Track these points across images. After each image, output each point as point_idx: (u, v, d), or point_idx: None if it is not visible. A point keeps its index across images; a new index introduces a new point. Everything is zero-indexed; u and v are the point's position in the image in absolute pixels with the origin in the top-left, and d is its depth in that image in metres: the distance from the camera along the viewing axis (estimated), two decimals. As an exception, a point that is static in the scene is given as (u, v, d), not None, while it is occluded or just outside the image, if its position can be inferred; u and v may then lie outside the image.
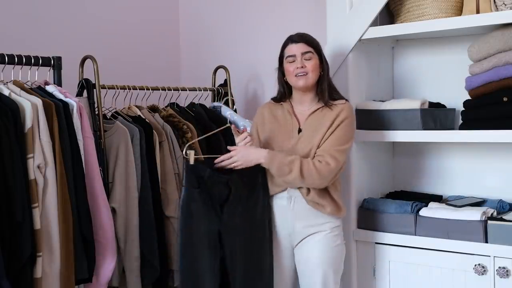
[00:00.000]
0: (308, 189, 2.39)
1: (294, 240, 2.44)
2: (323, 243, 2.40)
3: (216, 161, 2.36)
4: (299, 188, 2.39)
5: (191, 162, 2.30)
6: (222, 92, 3.16)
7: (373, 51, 2.85)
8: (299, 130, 2.44)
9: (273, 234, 2.45)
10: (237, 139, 2.46)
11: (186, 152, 2.33)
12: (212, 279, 2.34)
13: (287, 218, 2.42)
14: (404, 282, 2.59)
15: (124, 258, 2.51)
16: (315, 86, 2.46)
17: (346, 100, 2.48)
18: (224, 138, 2.79)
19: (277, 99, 2.54)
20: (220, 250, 2.35)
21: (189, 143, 2.47)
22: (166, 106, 2.94)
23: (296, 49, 2.42)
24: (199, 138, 2.64)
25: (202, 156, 2.53)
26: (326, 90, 2.44)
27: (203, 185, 2.31)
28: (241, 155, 2.35)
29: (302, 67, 2.40)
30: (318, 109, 2.45)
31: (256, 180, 2.41)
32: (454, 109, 2.73)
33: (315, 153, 2.37)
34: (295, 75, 2.41)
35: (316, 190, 2.38)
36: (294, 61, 2.41)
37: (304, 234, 2.42)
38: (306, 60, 2.40)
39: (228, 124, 2.63)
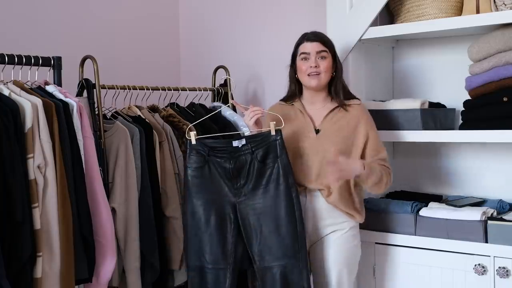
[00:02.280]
0: (330, 192, 2.37)
1: (310, 238, 2.41)
2: (339, 243, 2.39)
3: (329, 174, 2.30)
4: (320, 189, 2.38)
5: (193, 142, 2.38)
6: (222, 92, 3.16)
7: (373, 51, 2.85)
8: (317, 130, 2.43)
9: None
10: (246, 115, 2.42)
11: (188, 134, 2.40)
12: (222, 252, 2.33)
13: (304, 216, 2.37)
14: (404, 282, 2.59)
15: (124, 258, 2.51)
16: (327, 86, 2.45)
17: (358, 98, 2.49)
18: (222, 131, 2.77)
19: (288, 99, 2.52)
20: (233, 222, 2.33)
21: (190, 125, 2.54)
22: (166, 106, 2.93)
23: (311, 47, 2.40)
24: (197, 122, 2.66)
25: (203, 136, 2.52)
26: (339, 91, 2.43)
27: (205, 163, 2.36)
28: (344, 166, 2.27)
29: (316, 66, 2.38)
30: (334, 109, 2.44)
31: (267, 153, 2.34)
32: (454, 109, 2.74)
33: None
34: (308, 74, 2.40)
35: (338, 193, 2.36)
36: (307, 60, 2.40)
37: (321, 234, 2.41)
38: (320, 59, 2.39)
39: (231, 102, 2.60)
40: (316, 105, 2.47)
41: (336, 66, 2.44)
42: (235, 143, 2.36)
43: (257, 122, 2.42)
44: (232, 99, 3.14)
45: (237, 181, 2.35)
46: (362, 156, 2.39)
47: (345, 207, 2.38)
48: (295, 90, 2.50)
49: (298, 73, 2.46)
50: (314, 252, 2.43)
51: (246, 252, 2.36)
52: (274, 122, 2.32)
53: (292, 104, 2.50)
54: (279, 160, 2.31)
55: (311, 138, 2.42)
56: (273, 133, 2.32)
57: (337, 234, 2.39)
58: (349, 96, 2.48)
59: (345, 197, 2.38)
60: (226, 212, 2.35)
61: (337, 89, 2.44)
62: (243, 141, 2.36)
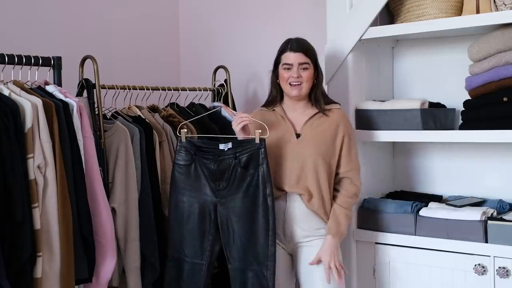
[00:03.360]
0: (310, 197, 2.40)
1: (289, 243, 2.44)
2: (318, 250, 2.40)
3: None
4: (300, 194, 2.40)
5: (183, 140, 2.45)
6: (222, 92, 3.16)
7: (373, 51, 2.85)
8: (297, 135, 2.45)
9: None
10: (234, 120, 2.46)
11: (179, 132, 2.46)
12: (201, 248, 2.41)
13: (280, 220, 2.41)
14: (404, 282, 2.59)
15: (124, 258, 2.51)
16: (307, 93, 2.48)
17: (338, 103, 2.52)
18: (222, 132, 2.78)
19: (269, 103, 2.54)
20: (213, 221, 2.40)
21: (182, 123, 2.57)
22: (166, 106, 2.94)
23: (293, 58, 2.42)
24: (193, 119, 2.70)
25: (194, 136, 2.58)
26: (320, 98, 2.46)
27: (192, 161, 2.42)
28: (330, 256, 2.36)
29: (298, 77, 2.41)
30: (315, 115, 2.46)
31: (249, 160, 2.38)
32: (454, 109, 2.73)
33: (336, 173, 2.44)
34: (289, 83, 2.43)
35: (320, 200, 2.40)
36: (290, 70, 2.42)
37: (299, 239, 2.42)
38: (302, 70, 2.42)
39: (220, 104, 2.61)
40: (297, 111, 2.50)
41: (317, 74, 2.46)
42: (221, 146, 2.42)
43: (245, 129, 2.45)
44: (232, 99, 3.15)
45: (219, 183, 2.40)
46: (338, 163, 2.44)
47: (324, 213, 2.41)
48: (276, 96, 2.53)
49: (280, 81, 2.48)
50: (296, 261, 2.46)
51: (222, 251, 2.42)
52: (260, 131, 2.36)
53: (274, 110, 2.52)
54: (260, 169, 2.36)
55: (292, 142, 2.44)
56: (257, 141, 2.36)
57: (315, 242, 2.40)
58: (329, 101, 2.50)
59: (326, 203, 2.41)
60: (206, 211, 2.42)
61: (317, 96, 2.47)
62: (229, 145, 2.41)
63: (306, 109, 2.49)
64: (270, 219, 2.34)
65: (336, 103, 2.52)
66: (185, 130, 2.47)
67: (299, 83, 2.42)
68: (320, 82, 2.48)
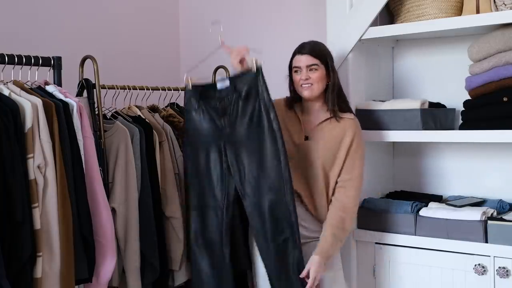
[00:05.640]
0: (307, 198, 2.41)
1: None
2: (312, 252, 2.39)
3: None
4: (299, 193, 2.40)
5: (190, 87, 2.49)
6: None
7: (373, 51, 2.85)
8: (306, 137, 2.45)
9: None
10: (232, 55, 2.46)
11: (186, 80, 2.51)
12: (217, 188, 2.43)
13: None
14: (404, 282, 2.59)
15: (124, 258, 2.51)
16: (323, 95, 2.46)
17: (354, 114, 2.50)
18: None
19: (289, 103, 2.54)
20: (224, 162, 2.41)
21: (186, 75, 2.56)
22: (166, 106, 2.93)
23: (301, 61, 2.43)
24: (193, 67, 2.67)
25: (200, 83, 2.57)
26: (333, 99, 2.44)
27: (199, 107, 2.46)
28: (315, 275, 2.29)
29: (307, 78, 2.41)
30: (326, 120, 2.45)
31: (249, 91, 2.39)
32: (454, 109, 2.73)
33: (335, 182, 2.41)
34: (301, 85, 2.44)
35: (312, 203, 2.41)
36: (299, 73, 2.44)
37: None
38: (311, 71, 2.42)
39: (220, 40, 2.60)
40: (311, 113, 2.49)
41: (331, 75, 2.44)
42: (219, 85, 2.43)
43: (243, 62, 2.44)
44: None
45: (224, 121, 2.42)
46: (340, 172, 2.41)
47: (324, 215, 2.41)
48: (295, 97, 2.53)
49: (294, 84, 2.49)
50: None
51: (237, 192, 2.42)
52: (255, 59, 2.36)
53: (292, 108, 2.52)
54: (261, 96, 2.36)
55: (300, 144, 2.45)
56: (254, 70, 2.36)
57: (311, 245, 2.38)
58: (346, 109, 2.48)
59: (319, 209, 2.42)
60: (218, 154, 2.43)
61: (331, 98, 2.44)
62: (227, 82, 2.42)
63: (320, 112, 2.48)
64: (279, 142, 2.32)
65: (352, 112, 2.50)
66: (189, 77, 2.49)
67: (310, 84, 2.42)
68: (334, 84, 2.44)
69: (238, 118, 2.39)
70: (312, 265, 2.29)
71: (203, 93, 2.47)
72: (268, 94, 2.36)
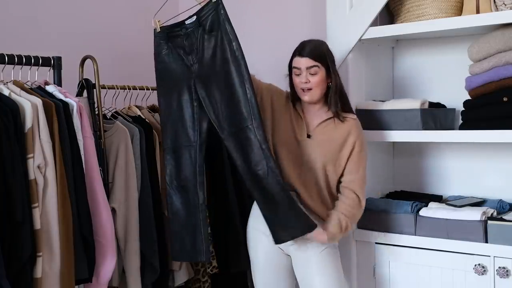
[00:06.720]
0: (306, 195, 2.40)
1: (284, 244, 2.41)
2: (323, 266, 2.38)
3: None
4: (298, 191, 2.40)
5: (158, 30, 2.48)
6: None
7: (373, 51, 2.85)
8: (308, 135, 2.44)
9: (257, 235, 2.45)
10: None
11: (154, 23, 2.49)
12: (190, 124, 2.43)
13: None
14: (404, 282, 2.59)
15: (124, 258, 2.51)
16: (324, 96, 2.45)
17: (354, 113, 2.49)
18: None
19: (291, 99, 2.52)
20: (195, 100, 2.41)
21: (155, 19, 2.55)
22: (166, 106, 2.93)
23: (301, 63, 2.39)
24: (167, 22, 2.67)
25: (168, 24, 2.57)
26: (336, 101, 2.42)
27: (168, 49, 2.46)
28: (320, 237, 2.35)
29: (306, 82, 2.39)
30: (329, 119, 2.44)
31: (212, 24, 2.39)
32: (454, 109, 2.73)
33: (339, 181, 2.42)
34: (301, 89, 2.41)
35: (312, 200, 2.40)
36: (299, 75, 2.40)
37: (291, 242, 2.39)
38: (311, 74, 2.38)
39: None
40: (312, 113, 2.48)
41: (332, 76, 2.42)
42: (187, 22, 2.43)
43: None
44: None
45: (192, 58, 2.41)
46: (342, 172, 2.42)
47: (322, 211, 2.40)
48: (295, 95, 2.51)
49: (294, 86, 2.47)
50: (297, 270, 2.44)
51: (211, 129, 2.42)
52: None
53: (294, 105, 2.51)
54: (221, 28, 2.36)
55: (302, 141, 2.43)
56: (213, 0, 2.36)
57: (310, 246, 2.39)
58: (348, 109, 2.47)
59: (324, 202, 2.41)
60: (188, 93, 2.43)
61: (333, 99, 2.42)
62: (194, 18, 2.42)
63: (322, 111, 2.46)
64: (243, 70, 2.31)
65: (353, 113, 2.49)
66: (159, 20, 2.48)
67: (310, 89, 2.39)
68: (336, 86, 2.42)
69: (205, 53, 2.38)
70: (318, 234, 2.33)
71: (170, 33, 2.46)
72: (230, 24, 2.35)
